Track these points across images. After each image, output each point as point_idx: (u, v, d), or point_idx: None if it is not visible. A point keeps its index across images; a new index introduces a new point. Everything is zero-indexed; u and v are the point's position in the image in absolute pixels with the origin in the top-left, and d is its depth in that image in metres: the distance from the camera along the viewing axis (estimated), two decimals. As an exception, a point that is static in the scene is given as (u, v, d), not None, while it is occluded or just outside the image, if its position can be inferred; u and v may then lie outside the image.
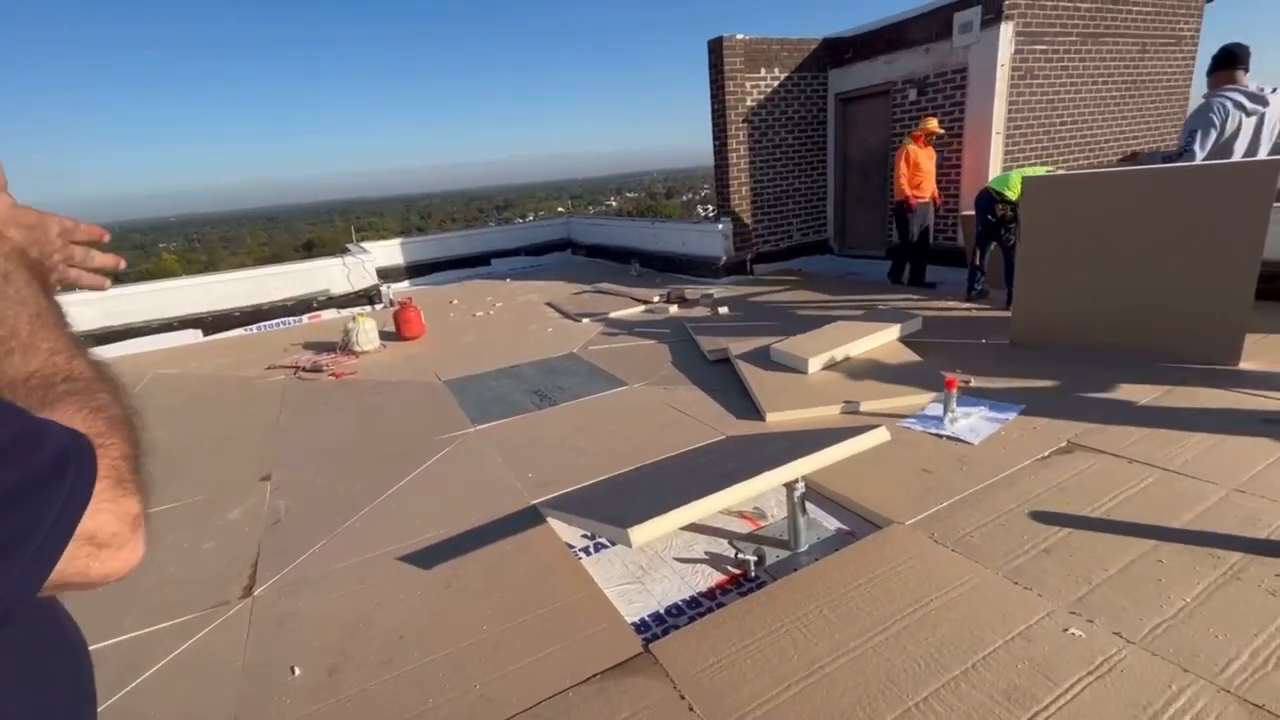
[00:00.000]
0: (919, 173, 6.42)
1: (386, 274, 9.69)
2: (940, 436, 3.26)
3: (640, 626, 2.17)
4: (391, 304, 7.36)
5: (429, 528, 2.89)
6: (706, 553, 2.56)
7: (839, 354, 4.35)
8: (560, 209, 79.10)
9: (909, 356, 4.38)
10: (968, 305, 5.77)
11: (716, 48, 7.56)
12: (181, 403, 5.13)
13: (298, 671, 2.08)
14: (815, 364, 4.23)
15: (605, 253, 10.59)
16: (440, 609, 2.32)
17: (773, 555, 2.50)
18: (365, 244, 9.75)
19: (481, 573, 2.52)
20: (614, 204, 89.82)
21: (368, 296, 8.24)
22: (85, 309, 6.86)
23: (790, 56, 7.98)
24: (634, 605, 2.28)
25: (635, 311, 6.86)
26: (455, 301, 8.22)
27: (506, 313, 7.43)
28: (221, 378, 5.73)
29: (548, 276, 9.63)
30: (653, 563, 2.52)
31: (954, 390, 3.38)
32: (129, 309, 7.00)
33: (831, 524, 2.68)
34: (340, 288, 8.11)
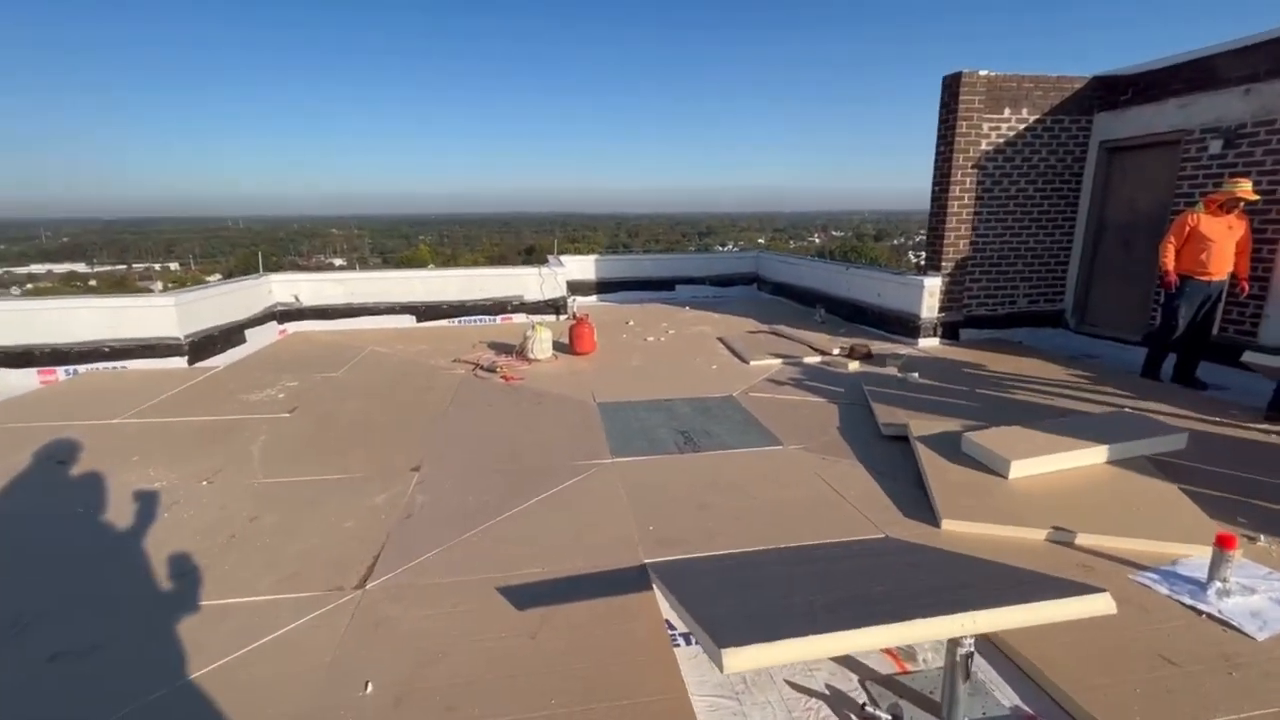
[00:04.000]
0: (1201, 245, 5.03)
1: (578, 287, 10.24)
2: (1198, 612, 2.36)
3: (723, 762, 1.79)
4: (573, 316, 7.67)
5: (535, 561, 2.76)
6: (828, 686, 2.08)
7: (1057, 461, 3.47)
8: (761, 240, 78.77)
9: (1160, 484, 3.34)
10: (1266, 427, 4.32)
11: (953, 84, 6.74)
12: (380, 380, 5.76)
13: (369, 689, 2.04)
14: (1021, 468, 3.41)
15: (791, 293, 10.07)
16: (516, 664, 2.15)
17: (913, 715, 1.94)
18: (564, 257, 10.40)
19: (568, 632, 2.31)
20: (817, 240, 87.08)
21: (555, 306, 8.72)
22: (336, 287, 8.16)
23: (1044, 96, 6.85)
24: (722, 730, 1.90)
25: (810, 361, 6.31)
26: (632, 323, 8.34)
27: (677, 341, 7.32)
28: (417, 362, 6.37)
29: (727, 310, 9.39)
30: (758, 680, 2.11)
31: (1232, 551, 2.44)
32: (365, 291, 8.18)
33: (1006, 699, 2.02)
34: (533, 295, 8.68)
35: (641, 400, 5.08)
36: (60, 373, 5.85)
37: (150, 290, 6.60)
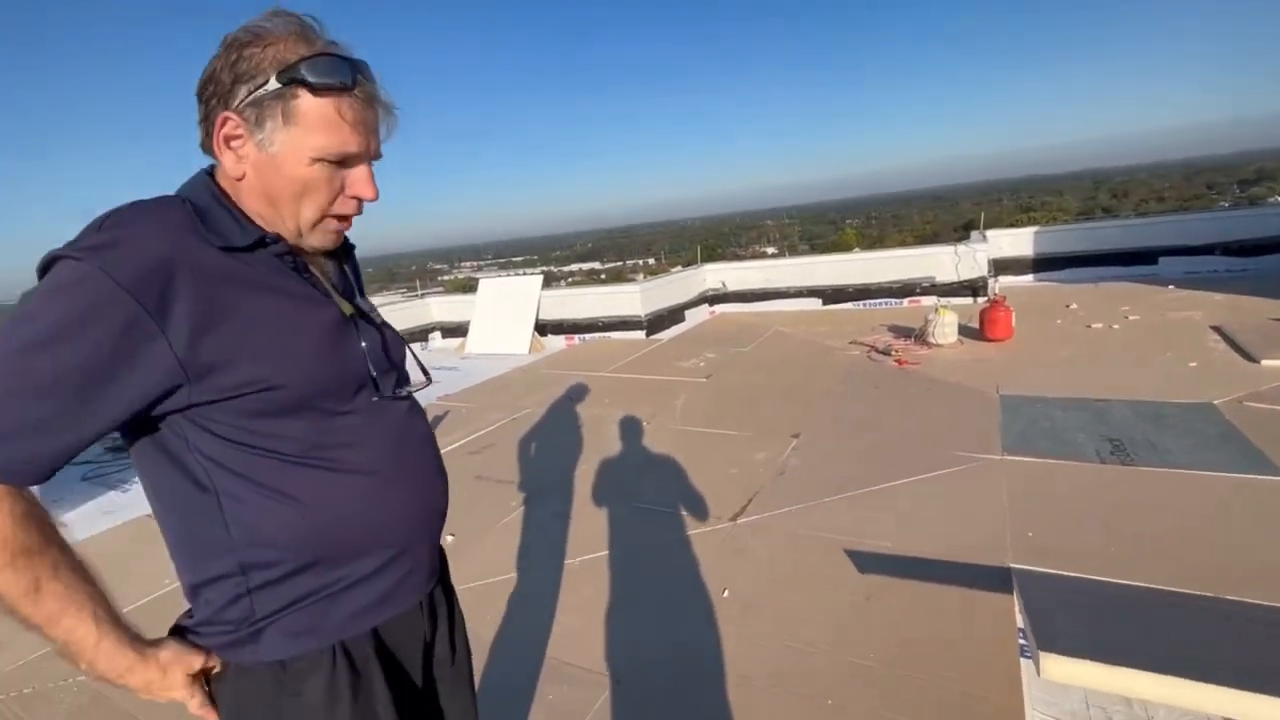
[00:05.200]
0: None
1: (1010, 265, 8.96)
2: None
3: (1049, 783, 1.63)
4: (990, 298, 6.84)
5: (888, 536, 2.84)
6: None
7: None
8: (1366, 182, 51.15)
9: None
10: None
11: None
12: (779, 356, 6.41)
13: (726, 594, 2.55)
14: None
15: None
16: (843, 613, 2.35)
17: None
18: (993, 232, 9.21)
19: (905, 603, 2.36)
20: None
21: (972, 288, 7.88)
22: (754, 274, 9.25)
23: None
24: (1059, 754, 1.71)
25: (1390, 366, 4.14)
26: (1073, 306, 6.88)
27: (1139, 330, 5.76)
28: (814, 342, 6.80)
29: (1244, 289, 6.75)
30: (1129, 724, 1.77)
31: None
32: (778, 277, 9.02)
33: None
34: (946, 276, 8.04)
35: (1060, 397, 4.31)
36: (576, 339, 8.46)
37: (633, 280, 8.90)
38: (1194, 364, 4.68)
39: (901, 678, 2.02)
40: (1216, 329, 5.41)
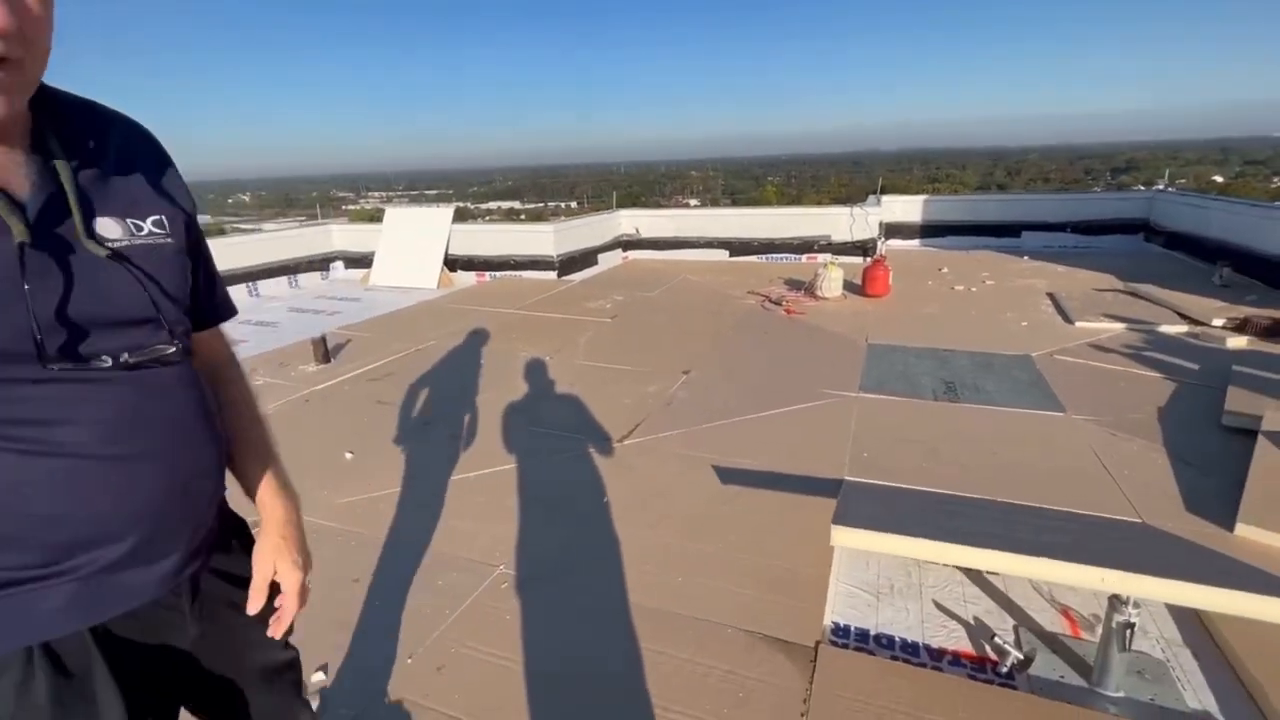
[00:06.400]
0: None
1: (899, 230, 9.72)
2: None
3: (837, 631, 2.09)
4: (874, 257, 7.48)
5: (751, 455, 3.27)
6: (975, 618, 2.13)
7: None
8: (1218, 178, 58.10)
9: None
10: None
11: None
12: (682, 302, 6.76)
13: (606, 500, 2.89)
14: None
15: (1191, 246, 7.75)
16: (709, 513, 2.75)
17: (1051, 669, 1.89)
18: (888, 198, 9.91)
19: (755, 506, 2.79)
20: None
21: (863, 248, 8.53)
22: (667, 223, 9.49)
23: None
24: (849, 611, 2.18)
25: (1168, 331, 5.04)
26: (944, 270, 7.67)
27: (991, 294, 6.56)
28: (716, 291, 7.20)
29: (1084, 263, 7.78)
30: (906, 589, 2.27)
31: None
32: (689, 227, 9.32)
33: (1192, 695, 1.79)
34: (841, 235, 8.65)
35: (916, 347, 4.93)
36: (487, 276, 8.43)
37: (551, 220, 8.89)
38: (1025, 323, 5.46)
39: (738, 560, 2.43)
40: (1050, 295, 6.28)
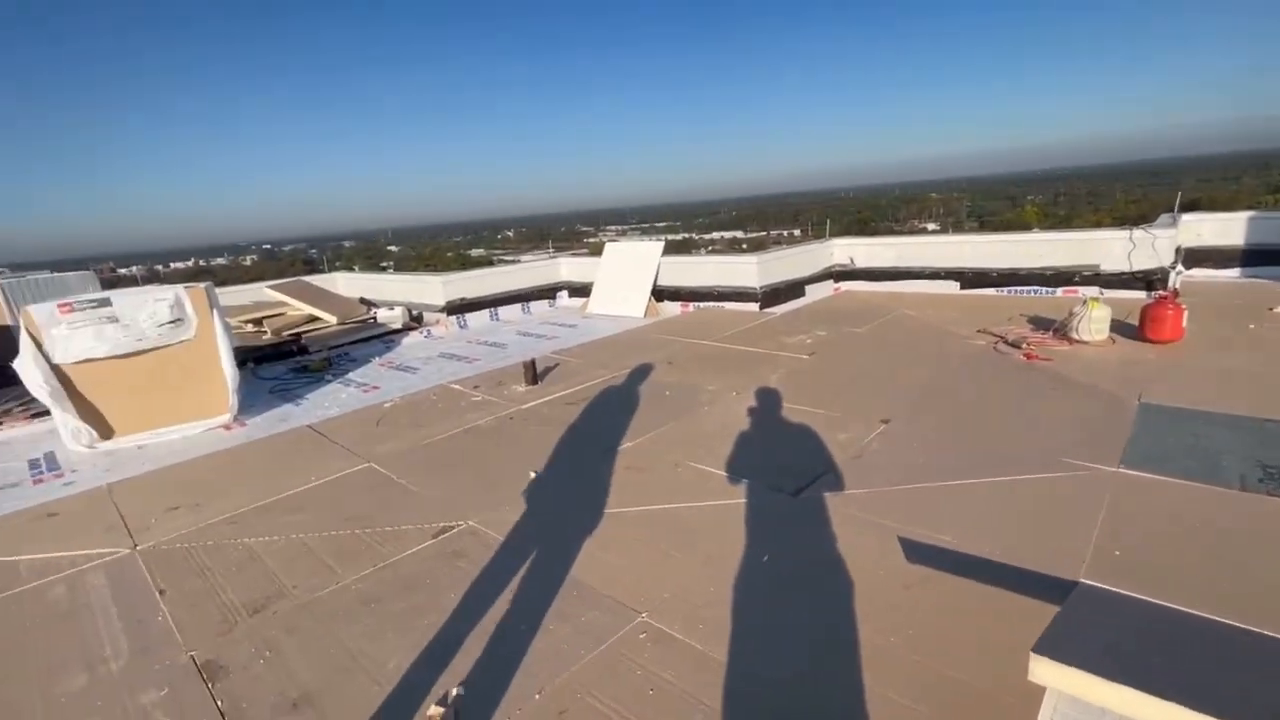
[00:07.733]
0: None
1: (1208, 256, 7.65)
2: None
3: None
4: (1164, 293, 5.92)
5: (950, 530, 2.73)
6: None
7: None
8: None
9: None
10: None
11: None
12: (893, 340, 6.08)
13: (766, 559, 2.64)
14: None
15: None
16: (884, 594, 2.34)
17: None
18: (1192, 215, 7.86)
19: (943, 597, 2.30)
20: None
21: (1147, 280, 6.83)
22: (887, 251, 8.70)
23: None
24: None
25: None
26: (1278, 309, 5.75)
27: (1360, 344, 4.71)
28: (937, 328, 6.34)
29: None
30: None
31: None
32: (913, 255, 8.41)
33: None
34: (1114, 265, 7.03)
35: (1218, 412, 3.72)
36: (691, 307, 8.58)
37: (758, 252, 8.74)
38: None
39: (915, 664, 2.01)
40: None
